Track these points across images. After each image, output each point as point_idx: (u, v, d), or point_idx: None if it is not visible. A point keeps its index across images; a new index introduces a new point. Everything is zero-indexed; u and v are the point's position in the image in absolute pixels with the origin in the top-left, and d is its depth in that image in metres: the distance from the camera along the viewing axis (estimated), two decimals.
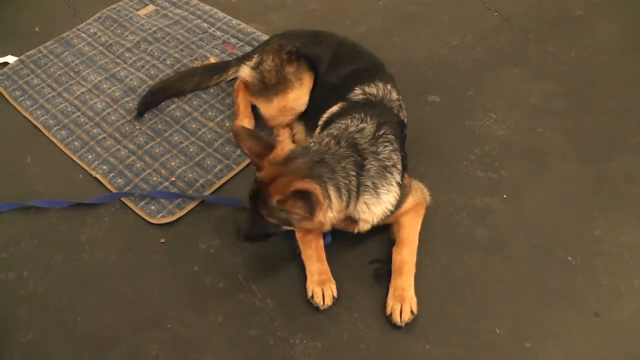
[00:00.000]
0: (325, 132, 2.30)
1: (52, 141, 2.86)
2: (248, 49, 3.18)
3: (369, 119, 2.29)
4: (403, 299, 2.17)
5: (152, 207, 2.57)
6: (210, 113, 2.95)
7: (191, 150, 2.79)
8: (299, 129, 2.74)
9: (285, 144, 2.71)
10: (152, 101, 2.95)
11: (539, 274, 2.30)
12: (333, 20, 3.38)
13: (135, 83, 3.10)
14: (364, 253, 2.37)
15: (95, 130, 2.89)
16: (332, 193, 2.06)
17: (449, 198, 2.54)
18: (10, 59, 3.29)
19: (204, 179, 2.68)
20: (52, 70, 3.21)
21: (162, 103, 2.98)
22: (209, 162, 2.74)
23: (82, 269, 2.40)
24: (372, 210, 2.20)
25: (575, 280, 2.28)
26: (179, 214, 2.54)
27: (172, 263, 2.41)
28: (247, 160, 2.71)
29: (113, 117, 2.95)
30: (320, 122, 2.47)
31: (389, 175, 2.22)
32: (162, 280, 2.35)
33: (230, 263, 2.38)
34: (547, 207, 2.51)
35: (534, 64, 3.13)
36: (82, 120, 2.94)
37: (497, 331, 2.16)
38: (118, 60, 3.24)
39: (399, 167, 2.26)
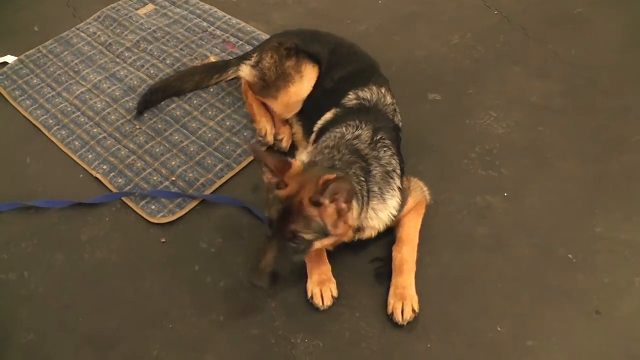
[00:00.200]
0: (321, 144, 2.26)
1: (52, 141, 2.86)
2: (248, 48, 3.18)
3: (364, 125, 2.28)
4: (404, 298, 2.17)
5: (153, 207, 2.56)
6: (210, 112, 2.94)
7: (192, 149, 2.79)
8: (298, 130, 2.73)
9: (284, 143, 2.73)
10: (152, 100, 2.94)
11: (540, 272, 2.30)
12: (333, 19, 3.38)
13: (135, 82, 3.09)
14: (365, 252, 2.37)
15: (95, 130, 2.89)
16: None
17: (449, 197, 2.54)
18: (10, 59, 3.28)
19: (205, 178, 2.67)
20: (52, 70, 3.20)
21: (163, 102, 2.98)
22: (209, 162, 2.74)
23: (83, 269, 2.40)
24: (379, 216, 2.20)
25: (576, 279, 2.28)
26: (180, 214, 2.54)
27: (173, 263, 2.40)
28: (248, 160, 2.72)
29: (113, 117, 2.94)
30: (315, 129, 2.45)
31: (391, 180, 2.22)
32: (163, 280, 2.35)
33: (232, 262, 2.38)
34: (548, 206, 2.51)
35: (535, 62, 3.12)
36: (82, 120, 2.94)
37: (499, 329, 2.15)
38: (118, 60, 3.23)
39: (399, 171, 2.27)
